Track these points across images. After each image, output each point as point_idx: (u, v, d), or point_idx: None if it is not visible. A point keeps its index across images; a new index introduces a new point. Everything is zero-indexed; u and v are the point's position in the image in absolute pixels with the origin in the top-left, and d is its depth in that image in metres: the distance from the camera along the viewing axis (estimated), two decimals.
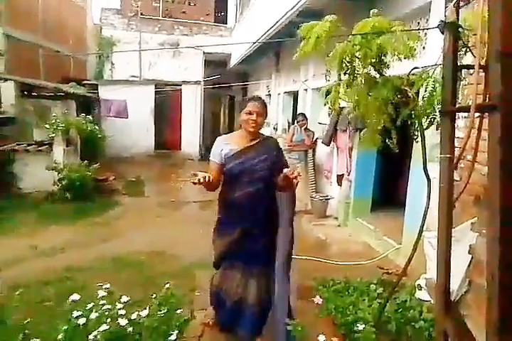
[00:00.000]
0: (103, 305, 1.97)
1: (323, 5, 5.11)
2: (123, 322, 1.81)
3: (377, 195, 5.69)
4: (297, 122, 6.83)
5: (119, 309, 1.95)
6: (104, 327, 1.75)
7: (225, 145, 2.47)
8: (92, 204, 6.64)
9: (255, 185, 2.42)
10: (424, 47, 3.51)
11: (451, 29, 1.41)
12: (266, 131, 10.94)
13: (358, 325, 2.26)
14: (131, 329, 1.89)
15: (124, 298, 2.09)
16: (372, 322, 2.37)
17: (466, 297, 2.54)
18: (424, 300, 2.82)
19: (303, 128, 6.72)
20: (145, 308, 2.21)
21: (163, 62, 12.38)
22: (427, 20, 3.74)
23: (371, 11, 1.82)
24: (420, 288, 2.92)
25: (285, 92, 9.45)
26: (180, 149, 12.92)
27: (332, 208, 6.19)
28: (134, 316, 1.99)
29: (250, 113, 2.42)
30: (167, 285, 2.36)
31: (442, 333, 1.70)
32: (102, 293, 2.11)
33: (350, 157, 5.54)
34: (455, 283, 2.56)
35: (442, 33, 1.51)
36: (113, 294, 2.24)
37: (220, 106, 20.19)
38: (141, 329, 2.02)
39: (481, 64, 1.43)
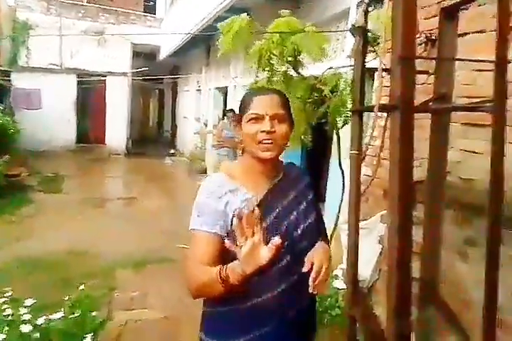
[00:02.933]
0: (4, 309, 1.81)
1: (251, 3, 5.18)
2: (26, 328, 1.68)
3: None
4: (227, 118, 6.85)
5: (23, 314, 1.81)
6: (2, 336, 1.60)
7: (232, 194, 1.20)
8: (2, 201, 6.09)
9: (295, 274, 1.16)
10: (343, 50, 3.69)
11: (360, 33, 1.49)
12: (196, 126, 10.86)
13: None
14: (37, 335, 1.76)
15: (29, 302, 1.94)
16: None
17: (377, 284, 2.73)
18: (340, 289, 2.98)
19: (232, 124, 6.74)
20: (57, 311, 2.09)
21: (87, 51, 11.63)
22: (347, 23, 3.93)
23: (281, 12, 1.87)
24: (337, 277, 3.08)
25: (216, 88, 9.40)
26: (105, 143, 12.31)
27: None
28: (41, 321, 1.86)
29: (260, 118, 1.18)
30: (81, 287, 2.24)
31: (352, 319, 1.81)
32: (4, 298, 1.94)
33: None
34: (368, 272, 2.75)
35: (353, 36, 1.60)
36: (18, 300, 2.08)
37: (150, 100, 19.60)
38: (51, 335, 1.90)
39: (387, 67, 1.53)
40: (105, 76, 11.95)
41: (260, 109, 1.18)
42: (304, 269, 1.10)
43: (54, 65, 11.45)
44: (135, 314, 2.83)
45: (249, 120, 1.19)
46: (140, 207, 6.36)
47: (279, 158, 1.28)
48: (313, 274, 1.09)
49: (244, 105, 1.24)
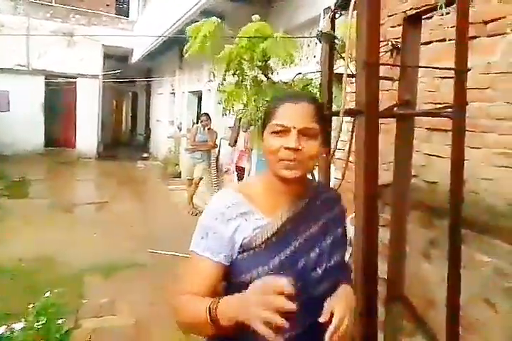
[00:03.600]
0: None
1: (223, 7, 5.21)
2: None
3: None
4: (200, 122, 6.82)
5: None
6: None
7: (244, 217, 1.01)
8: None
9: (310, 319, 0.93)
10: (315, 56, 3.75)
11: (327, 39, 1.53)
12: (170, 130, 10.75)
13: None
14: None
15: None
16: None
17: None
18: None
19: (206, 128, 6.73)
20: (20, 320, 2.02)
21: (56, 52, 11.31)
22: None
23: (252, 17, 1.90)
24: None
25: (189, 91, 9.35)
26: (75, 147, 12.01)
27: None
28: (2, 330, 1.79)
29: (286, 130, 0.97)
30: (47, 294, 2.17)
31: None
32: None
33: (250, 157, 5.69)
34: None
35: (320, 42, 1.63)
36: None
37: (123, 103, 19.28)
38: None
39: (353, 73, 1.56)
40: (75, 78, 11.68)
41: (287, 120, 0.96)
42: (321, 319, 0.90)
43: (20, 65, 11.10)
44: (104, 321, 2.76)
45: (273, 132, 0.98)
46: (111, 211, 6.23)
47: (307, 176, 1.08)
48: (331, 328, 0.90)
49: (268, 112, 1.03)
